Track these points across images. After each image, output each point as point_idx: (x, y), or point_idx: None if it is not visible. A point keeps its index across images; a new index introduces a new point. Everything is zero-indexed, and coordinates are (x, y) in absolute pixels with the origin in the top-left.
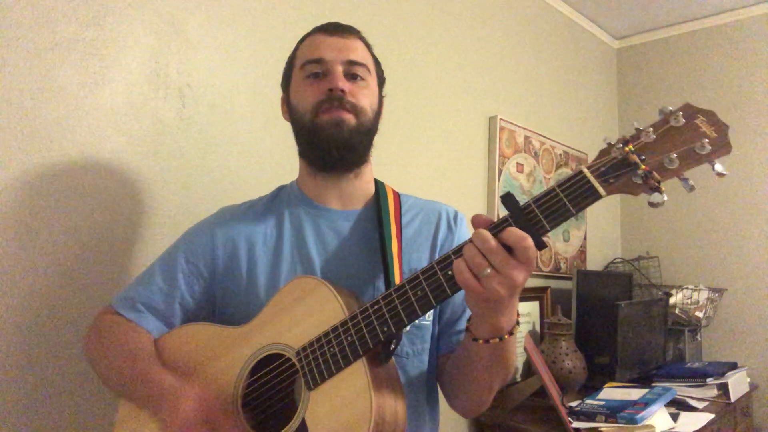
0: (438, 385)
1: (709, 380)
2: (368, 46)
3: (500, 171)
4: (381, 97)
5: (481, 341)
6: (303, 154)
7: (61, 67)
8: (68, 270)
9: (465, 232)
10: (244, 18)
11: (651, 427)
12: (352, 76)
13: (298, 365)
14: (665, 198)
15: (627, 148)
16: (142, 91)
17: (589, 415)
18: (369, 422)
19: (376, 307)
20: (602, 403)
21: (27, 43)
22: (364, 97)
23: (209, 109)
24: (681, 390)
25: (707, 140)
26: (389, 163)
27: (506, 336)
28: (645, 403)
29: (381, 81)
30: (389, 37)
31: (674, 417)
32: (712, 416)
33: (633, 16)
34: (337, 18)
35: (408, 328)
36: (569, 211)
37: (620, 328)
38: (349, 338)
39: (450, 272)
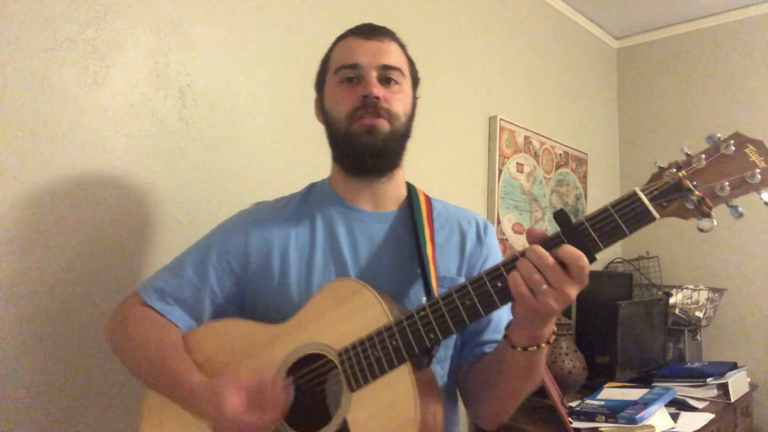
0: (459, 391)
1: (709, 380)
2: (403, 46)
3: (500, 171)
4: (415, 99)
5: (519, 349)
6: (337, 158)
7: (61, 67)
8: (68, 268)
9: (494, 242)
10: (244, 18)
11: (651, 427)
12: (386, 80)
13: (339, 366)
14: (714, 224)
15: (680, 174)
16: (142, 91)
17: (589, 415)
18: (414, 426)
19: (422, 313)
20: (602, 403)
21: (27, 43)
22: (398, 102)
23: (209, 109)
24: (681, 390)
25: (758, 170)
26: None
27: (543, 344)
28: (645, 403)
29: (415, 82)
30: None
31: (674, 417)
32: (712, 416)
33: (633, 16)
34: (336, 18)
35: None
36: (623, 232)
37: (620, 328)
38: (394, 343)
39: (499, 284)
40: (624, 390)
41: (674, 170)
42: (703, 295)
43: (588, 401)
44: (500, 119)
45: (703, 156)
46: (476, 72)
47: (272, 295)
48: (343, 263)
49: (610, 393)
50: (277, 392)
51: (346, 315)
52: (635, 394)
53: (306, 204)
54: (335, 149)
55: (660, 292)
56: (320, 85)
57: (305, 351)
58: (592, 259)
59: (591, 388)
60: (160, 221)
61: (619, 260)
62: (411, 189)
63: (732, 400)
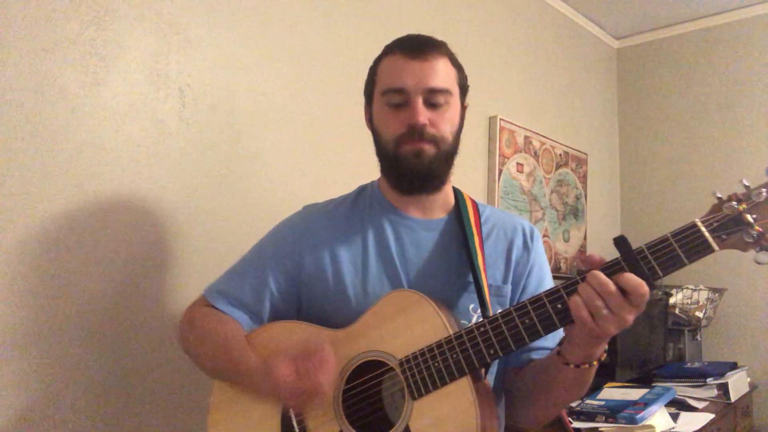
0: (505, 395)
1: (709, 380)
2: (450, 57)
3: (500, 171)
4: (464, 109)
5: (572, 366)
6: (385, 173)
7: (61, 67)
8: (68, 268)
9: (540, 249)
10: (244, 18)
11: (651, 427)
12: (432, 104)
13: (401, 375)
14: None
15: (741, 207)
16: (142, 91)
17: (589, 415)
18: None
19: (482, 329)
20: (602, 403)
21: (27, 43)
22: (445, 123)
23: (209, 109)
24: (681, 390)
25: None
26: None
27: (596, 362)
28: (645, 403)
29: (464, 91)
30: (389, 37)
31: (674, 417)
32: (712, 416)
33: (633, 16)
34: (336, 18)
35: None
36: (682, 262)
37: None
38: (455, 356)
39: (559, 306)
40: (624, 390)
41: (734, 203)
42: (703, 295)
43: (588, 401)
44: (500, 119)
45: (764, 191)
46: (476, 72)
47: (329, 300)
48: (394, 269)
49: (610, 393)
50: (323, 355)
51: (406, 325)
52: (635, 394)
53: (356, 208)
54: (383, 165)
55: (660, 292)
56: (369, 97)
57: (366, 357)
58: (651, 287)
59: (591, 388)
60: (160, 221)
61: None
62: (458, 195)
63: (732, 400)
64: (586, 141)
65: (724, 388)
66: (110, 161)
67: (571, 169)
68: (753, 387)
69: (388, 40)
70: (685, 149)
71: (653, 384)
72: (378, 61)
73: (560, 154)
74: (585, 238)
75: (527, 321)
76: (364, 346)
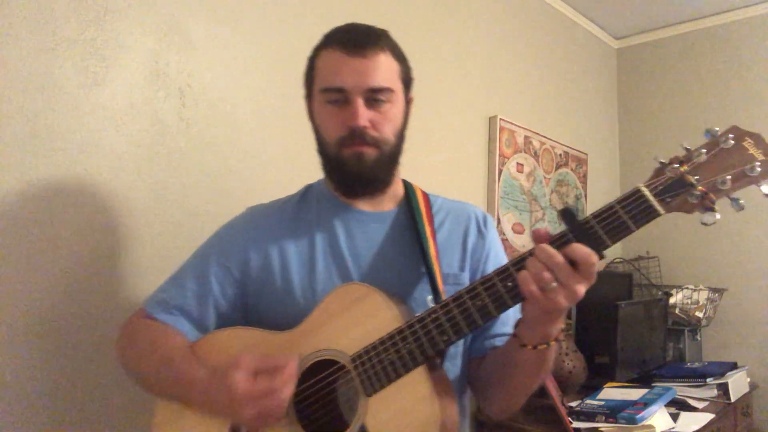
0: (469, 385)
1: (709, 380)
2: (392, 50)
3: (500, 171)
4: (408, 104)
5: (529, 347)
6: (327, 174)
7: (61, 67)
8: (68, 270)
9: (494, 234)
10: (244, 18)
11: (651, 427)
12: (374, 101)
13: (354, 372)
14: (718, 217)
15: (682, 169)
16: (142, 91)
17: (589, 415)
18: (436, 426)
19: (434, 316)
20: (602, 403)
21: (27, 43)
22: (387, 123)
23: (209, 109)
24: (681, 390)
25: (758, 163)
26: None
27: (552, 342)
28: (645, 403)
29: (408, 84)
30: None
31: (674, 417)
32: (712, 416)
33: (633, 16)
34: (336, 18)
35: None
36: (629, 228)
37: (620, 328)
38: (407, 346)
39: (510, 284)
40: (624, 390)
41: (676, 165)
42: (703, 295)
43: (588, 401)
44: (500, 119)
45: (704, 150)
46: (476, 72)
47: (276, 300)
48: (344, 265)
49: (610, 393)
50: (282, 358)
51: (356, 319)
52: (635, 394)
53: (303, 206)
54: (325, 165)
55: (660, 292)
56: (308, 92)
57: (317, 357)
58: (600, 256)
59: (591, 388)
60: (160, 221)
61: (619, 260)
62: (408, 186)
63: (732, 400)
64: (586, 141)
65: (724, 388)
66: (110, 161)
67: (571, 169)
68: (753, 387)
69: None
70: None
71: (653, 384)
72: (316, 53)
73: (560, 154)
74: None
75: (479, 302)
76: (314, 345)
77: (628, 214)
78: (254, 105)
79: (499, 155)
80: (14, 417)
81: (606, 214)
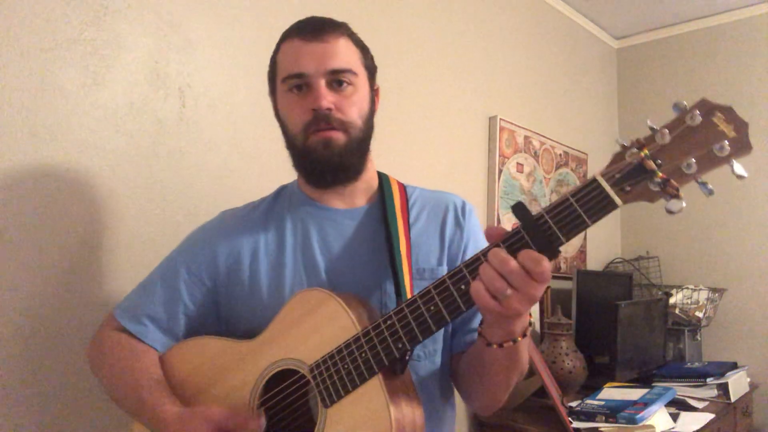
0: (453, 382)
1: (709, 380)
2: (351, 36)
3: (500, 171)
4: (373, 92)
5: (495, 346)
6: (298, 169)
7: (61, 67)
8: (68, 270)
9: (474, 224)
10: (244, 18)
11: (651, 427)
12: (337, 83)
13: (312, 382)
14: (684, 205)
15: (642, 153)
16: (142, 91)
17: (589, 415)
18: None
19: (389, 322)
20: (602, 403)
21: (27, 43)
22: (352, 106)
23: (209, 109)
24: (681, 390)
25: (726, 141)
26: (389, 163)
27: (519, 338)
28: (645, 403)
29: (372, 72)
30: (389, 37)
31: (674, 417)
32: (712, 416)
33: (633, 16)
34: (336, 18)
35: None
36: (584, 222)
37: (620, 328)
38: (363, 355)
39: (463, 287)
40: (624, 390)
41: (635, 150)
42: (703, 295)
43: (588, 401)
44: (500, 119)
45: (667, 131)
46: (476, 72)
47: (243, 303)
48: (314, 264)
49: (610, 393)
50: (248, 423)
51: (315, 327)
52: (635, 394)
53: (275, 207)
54: (294, 158)
55: (660, 292)
56: (272, 89)
57: (277, 367)
58: (554, 254)
59: (591, 388)
60: (160, 221)
61: (619, 260)
62: (383, 180)
63: (732, 400)
64: (586, 141)
65: (724, 388)
66: (110, 161)
67: (571, 169)
68: (753, 387)
69: (388, 41)
70: None
71: (653, 384)
72: (277, 48)
73: (560, 154)
74: (585, 237)
75: (432, 308)
76: (275, 354)
77: (583, 206)
78: (254, 105)
79: (499, 155)
80: (6, 418)
81: (560, 208)
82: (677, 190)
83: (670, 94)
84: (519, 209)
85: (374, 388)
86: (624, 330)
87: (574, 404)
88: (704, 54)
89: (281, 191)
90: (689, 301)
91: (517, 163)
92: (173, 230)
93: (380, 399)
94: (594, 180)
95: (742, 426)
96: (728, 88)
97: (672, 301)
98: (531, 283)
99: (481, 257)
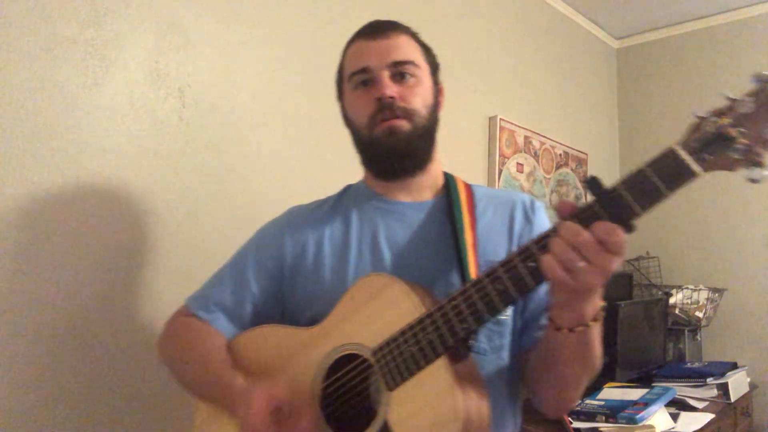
0: (522, 383)
1: (709, 380)
2: (414, 35)
3: (500, 171)
4: (437, 87)
5: (565, 330)
6: (365, 163)
7: (61, 67)
8: (68, 269)
9: (544, 220)
10: (244, 18)
11: (651, 427)
12: (400, 76)
13: (375, 365)
14: (766, 174)
15: (723, 121)
16: (142, 91)
17: (589, 415)
18: (457, 421)
19: (453, 303)
20: (602, 403)
21: (27, 43)
22: (416, 96)
23: (209, 109)
24: (681, 390)
25: None
26: None
27: (591, 323)
28: (645, 403)
29: (434, 69)
30: None
31: (674, 417)
32: (712, 416)
33: (633, 16)
34: (336, 17)
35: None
36: (662, 192)
37: (620, 328)
38: (426, 336)
39: (531, 263)
40: (624, 390)
41: (715, 118)
42: (703, 295)
43: (588, 401)
44: (500, 119)
45: (749, 99)
46: (476, 72)
47: (307, 292)
48: (379, 254)
49: (610, 393)
50: (303, 410)
51: (378, 311)
52: (635, 394)
53: (341, 203)
54: (362, 155)
55: (660, 292)
56: (340, 94)
57: (340, 352)
58: (630, 227)
59: (591, 388)
60: (160, 221)
61: None
62: (448, 177)
63: (732, 400)
64: (586, 141)
65: (724, 388)
66: (110, 161)
67: (571, 169)
68: (753, 387)
69: None
70: None
71: (653, 384)
72: (343, 54)
73: (560, 154)
74: None
75: (499, 286)
76: (338, 339)
77: (659, 176)
78: (254, 105)
79: (499, 155)
80: (38, 419)
81: (635, 180)
82: (760, 156)
83: (670, 94)
84: (592, 182)
85: (439, 370)
86: (624, 330)
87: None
88: (704, 54)
89: (347, 189)
90: (689, 301)
91: (517, 163)
92: (173, 230)
93: (446, 381)
94: (670, 149)
95: (742, 426)
96: (728, 88)
97: (672, 301)
98: (605, 255)
99: (551, 233)
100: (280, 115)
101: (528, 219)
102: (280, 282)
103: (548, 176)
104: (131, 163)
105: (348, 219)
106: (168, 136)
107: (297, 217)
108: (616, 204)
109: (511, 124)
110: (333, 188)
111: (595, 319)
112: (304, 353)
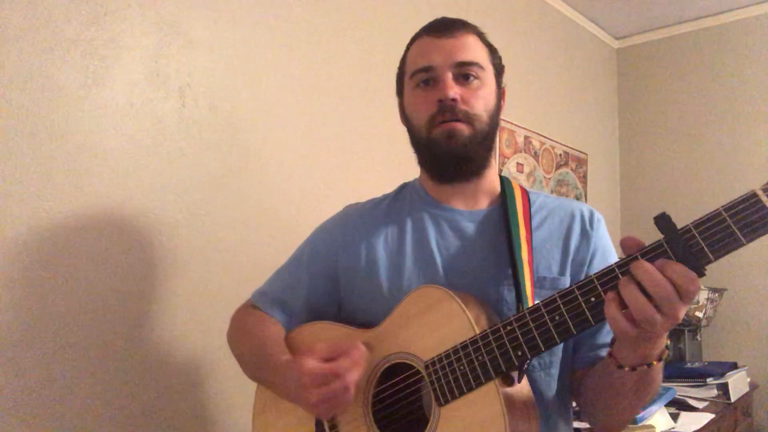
0: (573, 399)
1: (709, 380)
2: (480, 35)
3: (500, 171)
4: (500, 90)
5: (627, 369)
6: (422, 164)
7: (61, 67)
8: (66, 270)
9: (603, 235)
10: (244, 18)
11: (651, 427)
12: (464, 77)
13: (427, 378)
14: None
15: None
16: (142, 91)
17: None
18: None
19: (509, 328)
20: None
21: (27, 43)
22: (478, 99)
23: (209, 109)
24: (681, 390)
25: None
26: (390, 163)
27: (655, 363)
28: None
29: (499, 71)
30: (389, 37)
31: (674, 417)
32: (712, 416)
33: (633, 16)
34: (336, 20)
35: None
36: (739, 241)
37: None
38: (480, 358)
39: (593, 299)
40: None
41: None
42: (703, 295)
43: None
44: (500, 119)
45: None
46: None
47: (364, 295)
48: (432, 263)
49: None
50: (355, 353)
51: (432, 324)
52: None
53: (396, 204)
54: (419, 155)
55: None
56: (400, 89)
57: (394, 359)
58: (700, 274)
59: None
60: (160, 221)
61: None
62: (505, 183)
63: (732, 400)
64: (586, 141)
65: (724, 388)
66: (110, 161)
67: (571, 169)
68: (753, 387)
69: (388, 40)
70: (685, 149)
71: None
72: (406, 49)
73: (560, 154)
74: None
75: (557, 317)
76: (392, 347)
77: (738, 223)
78: (255, 105)
79: (499, 155)
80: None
81: (710, 223)
82: None
83: (670, 94)
84: (663, 220)
85: (490, 393)
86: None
87: (574, 404)
88: (704, 54)
89: (402, 189)
90: None
91: (517, 163)
92: (173, 230)
93: (495, 406)
94: (753, 194)
95: (742, 426)
96: (728, 88)
97: None
98: (677, 303)
99: (616, 269)
100: (280, 115)
101: (585, 233)
102: (335, 282)
103: (548, 176)
104: (131, 163)
105: (402, 225)
106: (168, 136)
107: (352, 219)
108: (688, 247)
109: (511, 124)
110: (333, 188)
111: (659, 359)
112: None
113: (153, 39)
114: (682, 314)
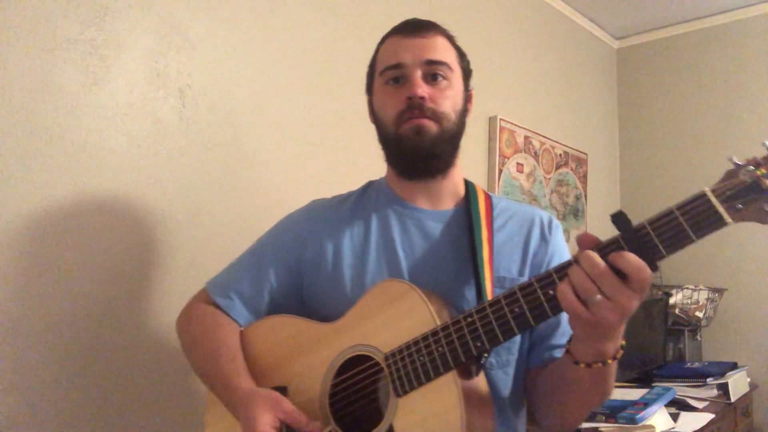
0: (525, 398)
1: (709, 380)
2: (450, 38)
3: (500, 171)
4: (467, 93)
5: (582, 365)
6: (389, 160)
7: (61, 67)
8: (66, 271)
9: (560, 241)
10: (244, 18)
11: (651, 427)
12: (432, 77)
13: (386, 370)
14: None
15: (759, 172)
16: (142, 91)
17: (589, 415)
18: None
19: (469, 320)
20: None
21: (27, 43)
22: (446, 99)
23: (209, 109)
24: (681, 390)
25: None
26: None
27: (610, 360)
28: (645, 403)
29: (467, 74)
30: None
31: (674, 417)
32: (712, 416)
33: (633, 16)
34: (336, 20)
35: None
36: (689, 237)
37: None
38: (440, 349)
39: (551, 292)
40: (624, 390)
41: (752, 168)
42: (703, 295)
43: None
44: (500, 119)
45: None
46: (476, 72)
47: (325, 291)
48: (396, 261)
49: None
50: (309, 426)
51: (394, 317)
52: (635, 394)
53: (362, 202)
54: (386, 151)
55: (660, 292)
56: (369, 87)
57: (354, 352)
58: (654, 269)
59: None
60: (160, 221)
61: None
62: (469, 186)
63: (732, 400)
64: (586, 141)
65: (724, 388)
66: (110, 161)
67: (571, 169)
68: (753, 387)
69: None
70: (685, 149)
71: (653, 384)
72: (377, 49)
73: (560, 154)
74: None
75: (516, 309)
76: (352, 339)
77: (689, 221)
78: (254, 105)
79: (499, 155)
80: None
81: (663, 221)
82: None
83: (670, 94)
84: (619, 218)
85: (448, 384)
86: (624, 330)
87: None
88: (704, 54)
89: (368, 187)
90: (689, 301)
91: (517, 163)
92: (173, 230)
93: (453, 396)
94: (703, 194)
95: (742, 426)
96: (728, 88)
97: (672, 301)
98: (624, 291)
99: (573, 261)
100: (280, 115)
101: (544, 238)
102: (298, 275)
103: (548, 176)
104: (131, 163)
105: (368, 222)
106: (168, 136)
107: (318, 213)
108: (641, 244)
109: (511, 124)
110: (332, 188)
111: (614, 357)
112: (317, 348)
113: (153, 39)
114: (632, 304)
